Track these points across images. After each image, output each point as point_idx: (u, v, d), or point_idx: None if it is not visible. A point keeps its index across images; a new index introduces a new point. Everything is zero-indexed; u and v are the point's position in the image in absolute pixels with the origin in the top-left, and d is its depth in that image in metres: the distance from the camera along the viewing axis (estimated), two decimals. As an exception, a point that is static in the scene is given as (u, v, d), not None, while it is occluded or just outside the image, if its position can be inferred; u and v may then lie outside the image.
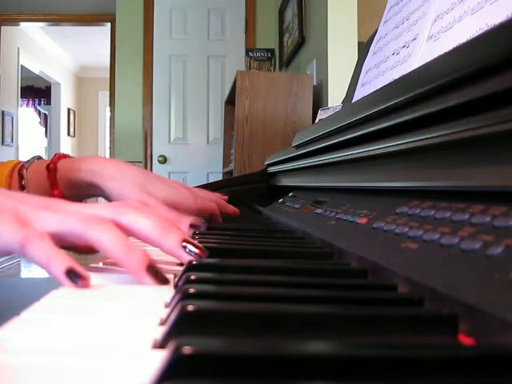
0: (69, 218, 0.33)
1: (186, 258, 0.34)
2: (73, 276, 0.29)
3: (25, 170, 0.59)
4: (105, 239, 0.31)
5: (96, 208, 0.36)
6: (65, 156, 0.61)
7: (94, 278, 0.34)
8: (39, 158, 0.62)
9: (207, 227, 0.59)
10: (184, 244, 0.35)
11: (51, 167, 0.58)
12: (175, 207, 0.59)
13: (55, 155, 0.60)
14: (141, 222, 0.35)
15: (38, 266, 0.29)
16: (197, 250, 0.35)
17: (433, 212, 0.32)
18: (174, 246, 0.35)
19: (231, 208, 0.71)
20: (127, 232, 0.34)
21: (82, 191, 0.60)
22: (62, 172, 0.59)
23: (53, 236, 0.31)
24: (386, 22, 0.76)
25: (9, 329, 0.21)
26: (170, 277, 0.33)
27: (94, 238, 0.32)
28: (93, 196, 0.62)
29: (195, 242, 0.36)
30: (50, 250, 0.29)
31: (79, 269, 0.29)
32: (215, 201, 0.68)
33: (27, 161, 0.61)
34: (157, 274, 0.32)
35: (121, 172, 0.58)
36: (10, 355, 0.18)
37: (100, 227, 0.32)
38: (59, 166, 0.59)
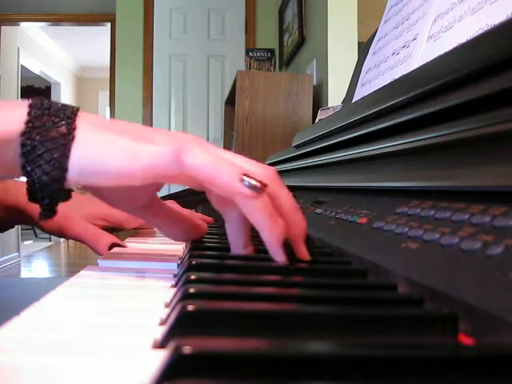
0: (158, 146, 0.32)
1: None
2: (246, 182, 0.31)
3: None
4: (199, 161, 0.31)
5: (244, 161, 0.35)
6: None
7: (93, 278, 0.34)
8: None
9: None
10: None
11: None
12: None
13: None
14: (284, 197, 0.35)
15: (198, 170, 0.30)
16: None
17: (433, 212, 0.32)
18: (300, 236, 0.35)
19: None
20: (271, 198, 0.34)
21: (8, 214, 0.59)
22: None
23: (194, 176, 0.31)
24: (386, 21, 0.76)
25: (9, 329, 0.21)
26: (170, 277, 0.33)
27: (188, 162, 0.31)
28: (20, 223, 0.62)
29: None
30: (214, 155, 0.31)
31: (252, 175, 0.31)
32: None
33: None
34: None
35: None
36: (10, 355, 0.18)
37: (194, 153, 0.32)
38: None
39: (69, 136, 0.30)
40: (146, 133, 0.33)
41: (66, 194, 0.32)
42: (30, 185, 0.30)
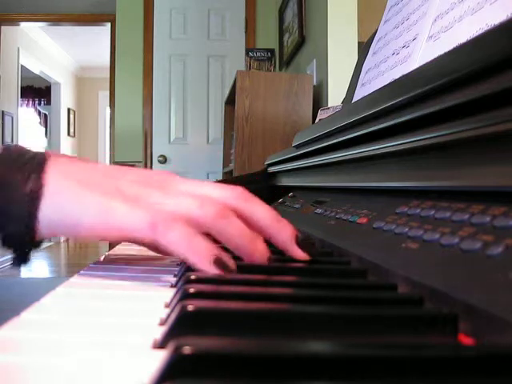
0: (191, 201, 0.32)
1: (300, 254, 0.34)
2: (220, 265, 0.29)
3: None
4: (233, 231, 0.32)
5: (207, 187, 0.35)
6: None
7: (93, 278, 0.34)
8: None
9: None
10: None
11: None
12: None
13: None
14: (259, 211, 0.35)
15: (174, 249, 0.29)
16: (227, 262, 0.32)
17: (433, 212, 0.32)
18: (289, 240, 0.35)
19: None
20: (244, 218, 0.34)
21: None
22: None
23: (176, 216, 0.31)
24: (386, 21, 0.75)
25: (9, 329, 0.21)
26: (170, 277, 0.33)
27: (221, 230, 0.32)
28: None
29: (303, 236, 0.36)
30: (192, 232, 0.30)
31: (225, 257, 0.30)
32: None
33: None
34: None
35: None
36: (10, 355, 0.18)
37: (229, 218, 0.32)
38: None
39: (36, 194, 0.30)
40: (115, 183, 0.32)
41: (39, 243, 0.32)
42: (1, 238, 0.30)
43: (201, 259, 0.30)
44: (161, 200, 0.32)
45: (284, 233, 0.35)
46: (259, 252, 0.33)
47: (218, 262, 0.30)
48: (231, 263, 0.31)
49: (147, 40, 3.38)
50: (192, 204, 0.32)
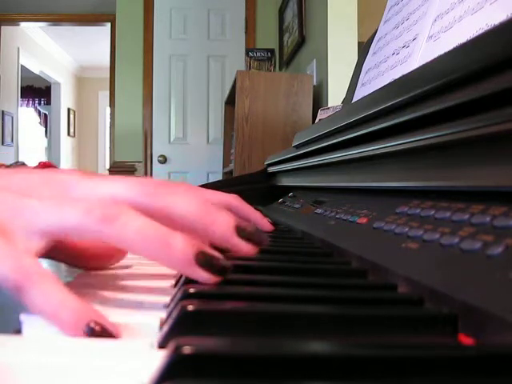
0: (70, 209, 0.24)
1: (245, 247, 0.27)
2: (92, 331, 0.21)
3: None
4: (130, 234, 0.24)
5: (112, 184, 0.27)
6: (50, 165, 0.57)
7: (94, 278, 0.34)
8: (22, 164, 0.59)
9: None
10: (238, 229, 0.27)
11: None
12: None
13: (39, 164, 0.57)
14: (178, 206, 0.27)
15: (38, 314, 0.22)
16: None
17: (433, 212, 0.32)
18: (226, 233, 0.27)
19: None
20: (159, 218, 0.26)
21: None
22: None
23: (48, 237, 0.24)
24: (386, 21, 0.76)
25: (10, 329, 0.21)
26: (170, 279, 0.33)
27: (114, 236, 0.24)
28: None
29: (250, 226, 0.28)
30: (59, 294, 0.22)
31: (101, 320, 0.21)
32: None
33: (8, 165, 0.57)
34: (212, 263, 0.25)
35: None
36: (10, 355, 0.18)
37: (120, 219, 0.24)
38: None
39: None
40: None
41: None
42: None
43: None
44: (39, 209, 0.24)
45: (217, 226, 0.27)
46: (175, 255, 0.24)
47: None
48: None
49: (147, 40, 3.38)
50: (73, 212, 0.24)
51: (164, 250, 0.24)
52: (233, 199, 0.52)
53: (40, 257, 0.25)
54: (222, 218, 0.27)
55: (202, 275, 0.24)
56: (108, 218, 0.24)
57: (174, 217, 0.27)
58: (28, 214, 0.24)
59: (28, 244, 0.24)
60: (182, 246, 0.24)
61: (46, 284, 0.22)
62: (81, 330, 0.21)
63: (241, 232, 0.27)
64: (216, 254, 0.25)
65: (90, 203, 0.24)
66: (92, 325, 0.21)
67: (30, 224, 0.24)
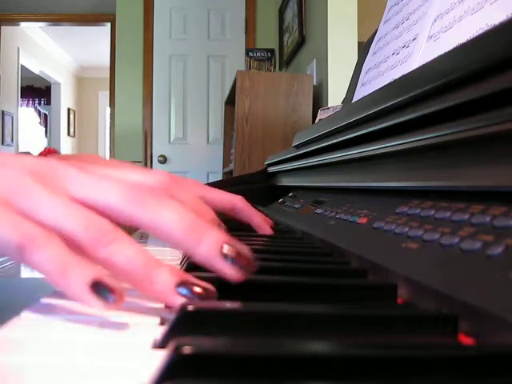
0: (112, 185, 0.25)
1: (229, 272, 0.25)
2: (101, 290, 0.21)
3: None
4: (168, 218, 0.24)
5: (105, 187, 0.27)
6: (54, 152, 0.56)
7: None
8: (28, 153, 0.58)
9: None
10: (226, 250, 0.25)
11: None
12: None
13: (45, 149, 0.57)
14: (165, 220, 0.26)
15: (45, 276, 0.22)
16: (240, 263, 0.25)
17: (433, 212, 0.32)
18: (212, 256, 0.25)
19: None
20: (144, 227, 0.26)
21: None
22: None
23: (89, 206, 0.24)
24: (386, 21, 0.76)
25: (9, 329, 0.21)
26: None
27: (152, 219, 0.24)
28: None
29: (239, 245, 0.26)
30: (65, 254, 0.22)
31: (108, 280, 0.21)
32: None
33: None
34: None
35: (113, 166, 0.53)
36: (10, 355, 0.18)
37: (114, 245, 0.24)
38: None
39: None
40: None
41: None
42: None
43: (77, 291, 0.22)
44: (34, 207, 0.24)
45: (202, 248, 0.25)
46: (159, 284, 0.23)
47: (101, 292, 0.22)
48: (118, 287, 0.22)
49: (147, 40, 3.38)
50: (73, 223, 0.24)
51: (146, 284, 0.24)
52: (238, 201, 0.52)
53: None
54: (208, 239, 0.25)
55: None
56: (102, 241, 0.24)
57: (159, 233, 0.26)
58: (79, 182, 0.25)
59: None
60: (164, 278, 0.24)
61: (51, 244, 0.22)
62: (89, 288, 0.21)
63: (227, 255, 0.25)
64: (196, 281, 0.24)
65: (88, 219, 0.24)
66: (99, 283, 0.21)
67: (78, 190, 0.25)
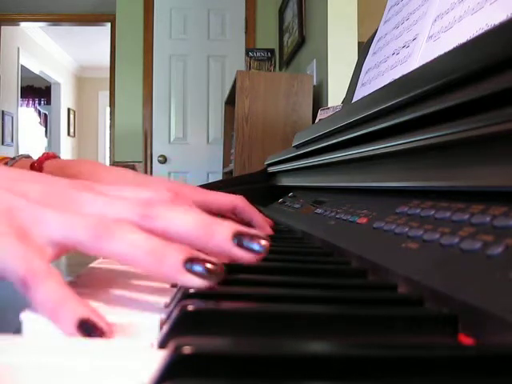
0: (78, 221, 0.26)
1: (245, 256, 0.26)
2: (88, 329, 0.21)
3: None
4: (126, 250, 0.25)
5: (116, 205, 0.28)
6: (54, 156, 0.56)
7: (94, 279, 0.34)
8: (27, 156, 0.59)
9: None
10: (238, 237, 0.26)
11: (36, 167, 0.54)
12: None
13: (43, 154, 0.56)
14: (177, 226, 0.27)
15: (39, 310, 0.23)
16: (255, 244, 0.26)
17: (433, 212, 0.32)
18: (226, 246, 0.26)
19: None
20: (158, 233, 0.27)
21: None
22: (46, 172, 0.51)
23: (60, 247, 0.26)
24: (386, 21, 0.76)
25: (8, 328, 0.21)
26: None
27: (111, 252, 0.25)
28: None
29: (252, 231, 0.26)
30: (60, 292, 0.23)
31: (97, 319, 0.22)
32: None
33: (13, 158, 0.56)
34: (203, 271, 0.24)
35: (112, 173, 0.52)
36: (11, 355, 0.18)
37: (118, 236, 0.25)
38: (45, 167, 0.54)
39: None
40: None
41: None
42: None
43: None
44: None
45: (215, 241, 0.26)
46: (167, 270, 0.24)
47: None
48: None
49: (147, 40, 3.38)
50: (78, 229, 0.25)
51: (157, 262, 0.24)
52: (238, 201, 0.52)
53: (52, 260, 0.26)
54: (219, 231, 0.26)
55: (195, 281, 0.24)
56: (98, 234, 0.25)
57: (176, 236, 0.27)
58: (45, 225, 0.26)
59: (42, 249, 0.25)
60: (174, 256, 0.24)
61: (49, 282, 0.23)
62: (75, 327, 0.21)
63: (240, 241, 0.26)
64: (207, 258, 0.25)
65: (90, 220, 0.26)
66: (85, 322, 0.21)
67: (46, 234, 0.25)
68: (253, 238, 0.26)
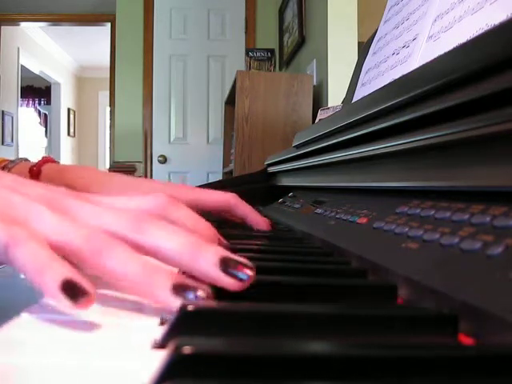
0: (75, 230, 0.26)
1: (230, 283, 0.25)
2: (71, 291, 0.22)
3: (7, 171, 0.54)
4: (166, 243, 0.26)
5: (106, 216, 0.28)
6: (52, 161, 0.57)
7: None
8: (26, 160, 0.59)
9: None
10: (223, 264, 0.26)
11: (34, 170, 0.54)
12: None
13: (42, 158, 0.56)
14: (161, 242, 0.27)
15: (24, 275, 0.23)
16: (240, 273, 0.25)
17: (433, 212, 0.32)
18: (211, 272, 0.26)
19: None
20: (145, 249, 0.27)
21: None
22: (45, 177, 0.53)
23: (49, 243, 0.25)
24: (386, 21, 0.76)
25: (9, 329, 0.21)
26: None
27: (151, 244, 0.26)
28: None
29: (238, 257, 0.26)
30: (44, 253, 0.23)
31: (81, 280, 0.22)
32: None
33: (12, 161, 0.56)
34: (234, 267, 0.25)
35: (112, 179, 0.53)
36: (11, 355, 0.18)
37: (111, 252, 0.25)
38: (43, 170, 0.54)
39: None
40: None
41: None
42: None
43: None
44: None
45: (201, 262, 0.26)
46: (157, 292, 0.24)
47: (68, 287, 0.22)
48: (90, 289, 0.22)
49: (147, 40, 3.38)
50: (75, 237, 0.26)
51: (144, 288, 0.25)
52: (231, 198, 0.52)
53: None
54: (205, 257, 0.26)
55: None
56: (99, 251, 0.25)
57: (160, 256, 0.27)
58: (42, 223, 0.26)
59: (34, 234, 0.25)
60: (162, 284, 0.24)
61: (31, 244, 0.23)
62: (59, 288, 0.22)
63: (226, 268, 0.26)
64: (193, 284, 0.25)
65: (85, 232, 0.26)
66: (69, 282, 0.22)
67: (41, 230, 0.26)
68: (238, 265, 0.25)
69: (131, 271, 0.24)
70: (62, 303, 0.22)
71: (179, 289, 0.24)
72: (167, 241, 0.27)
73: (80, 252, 0.25)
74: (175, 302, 0.23)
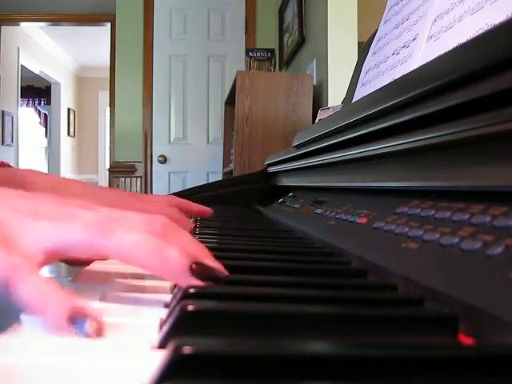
0: (70, 225, 0.26)
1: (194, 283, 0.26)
2: (78, 321, 0.21)
3: None
4: (127, 247, 0.25)
5: (73, 225, 0.27)
6: (4, 165, 0.55)
7: (94, 279, 0.34)
8: (8, 165, 0.58)
9: (204, 226, 0.59)
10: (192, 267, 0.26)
11: None
12: None
13: None
14: (130, 247, 0.26)
15: (26, 310, 0.22)
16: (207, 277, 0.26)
17: (433, 212, 0.32)
18: (179, 274, 0.26)
19: (196, 208, 0.59)
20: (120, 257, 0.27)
21: None
22: None
23: (50, 254, 0.25)
24: (386, 21, 0.75)
25: (10, 329, 0.21)
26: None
27: (113, 249, 0.25)
28: None
29: (208, 263, 0.27)
30: (46, 285, 0.22)
31: (88, 310, 0.21)
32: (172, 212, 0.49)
33: None
34: (206, 274, 0.26)
35: (63, 185, 0.52)
36: (11, 355, 0.18)
37: (119, 232, 0.25)
38: None
39: None
40: None
41: None
42: None
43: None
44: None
45: (168, 267, 0.26)
46: (169, 267, 0.25)
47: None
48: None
49: (147, 40, 3.38)
50: (72, 230, 0.26)
51: (159, 261, 0.25)
52: (171, 200, 0.56)
53: (41, 266, 0.26)
54: (173, 257, 0.26)
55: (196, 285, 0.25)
56: (104, 232, 0.26)
57: (126, 259, 0.26)
58: (34, 234, 0.26)
59: (28, 256, 0.25)
60: (176, 257, 0.25)
61: (33, 277, 0.23)
62: (66, 319, 0.21)
63: (194, 271, 0.26)
64: (211, 264, 0.26)
65: (86, 220, 0.26)
66: (76, 313, 0.21)
67: (35, 242, 0.26)
68: (207, 269, 0.26)
69: (143, 252, 0.25)
70: (73, 334, 0.21)
71: (196, 267, 0.25)
72: (132, 245, 0.26)
73: (81, 243, 0.26)
74: (191, 282, 0.25)
